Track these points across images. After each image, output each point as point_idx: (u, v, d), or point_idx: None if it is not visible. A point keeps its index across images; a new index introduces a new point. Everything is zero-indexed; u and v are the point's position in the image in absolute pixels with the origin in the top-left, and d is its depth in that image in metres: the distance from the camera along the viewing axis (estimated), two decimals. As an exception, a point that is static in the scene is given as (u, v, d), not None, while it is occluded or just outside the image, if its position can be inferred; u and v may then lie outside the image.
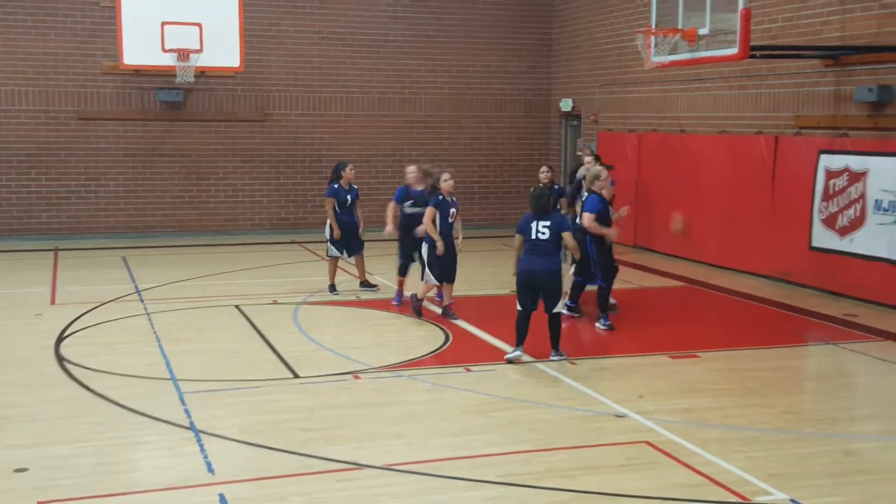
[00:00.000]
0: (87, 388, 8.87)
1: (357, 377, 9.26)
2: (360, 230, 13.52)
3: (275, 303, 12.89)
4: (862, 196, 12.55)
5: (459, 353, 10.29)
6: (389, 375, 9.36)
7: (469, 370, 9.55)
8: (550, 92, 21.51)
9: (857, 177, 12.63)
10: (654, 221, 17.29)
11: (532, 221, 9.80)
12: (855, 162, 12.65)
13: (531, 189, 10.48)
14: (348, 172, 13.34)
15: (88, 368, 9.49)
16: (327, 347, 10.45)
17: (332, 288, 13.45)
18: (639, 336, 11.29)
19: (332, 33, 20.30)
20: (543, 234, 9.71)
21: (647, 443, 7.37)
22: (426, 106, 20.99)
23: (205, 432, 7.61)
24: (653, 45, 12.65)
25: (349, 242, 13.39)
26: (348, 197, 13.32)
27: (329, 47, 20.29)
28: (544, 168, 13.33)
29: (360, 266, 13.66)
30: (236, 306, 12.49)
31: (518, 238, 9.91)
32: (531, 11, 21.43)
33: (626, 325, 11.68)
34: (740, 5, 11.02)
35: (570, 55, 20.78)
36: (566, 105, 20.68)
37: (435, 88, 21.02)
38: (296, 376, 9.31)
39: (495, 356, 10.08)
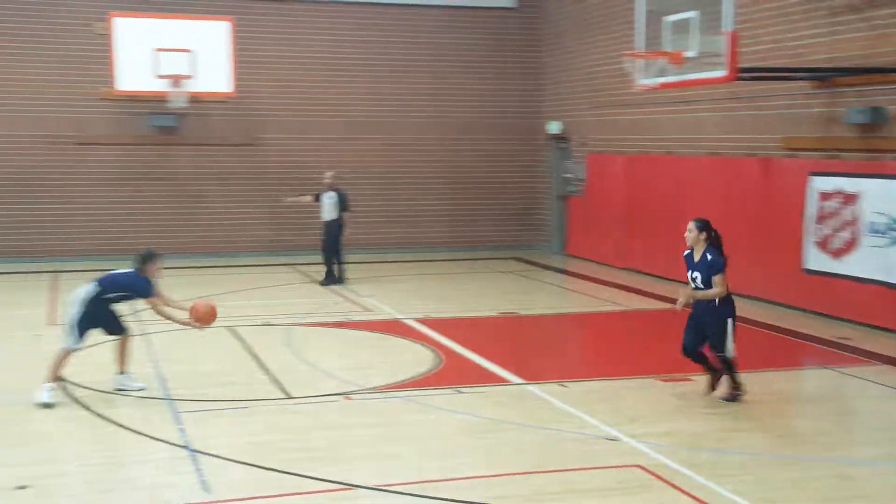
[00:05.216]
0: (85, 407, 8.88)
1: (349, 398, 9.25)
2: None
3: (267, 324, 12.88)
4: (856, 218, 12.58)
5: (451, 375, 10.27)
6: (381, 396, 9.34)
7: (460, 392, 9.54)
8: (540, 115, 21.59)
9: (850, 199, 12.66)
10: (643, 241, 17.33)
11: None
12: (847, 184, 12.69)
13: None
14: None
15: (86, 388, 9.48)
16: (320, 368, 10.44)
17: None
18: (637, 359, 11.23)
19: (320, 58, 20.39)
20: None
21: (640, 466, 7.34)
22: (411, 129, 20.99)
23: (200, 452, 7.60)
24: (641, 67, 12.74)
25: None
26: None
27: (316, 73, 20.38)
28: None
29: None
30: (229, 328, 12.46)
31: None
32: (519, 37, 21.53)
33: (617, 346, 11.58)
34: (727, 28, 11.10)
35: (559, 78, 20.88)
36: (554, 128, 20.76)
37: (418, 112, 21.02)
38: (288, 397, 9.29)
39: (487, 378, 10.08)
